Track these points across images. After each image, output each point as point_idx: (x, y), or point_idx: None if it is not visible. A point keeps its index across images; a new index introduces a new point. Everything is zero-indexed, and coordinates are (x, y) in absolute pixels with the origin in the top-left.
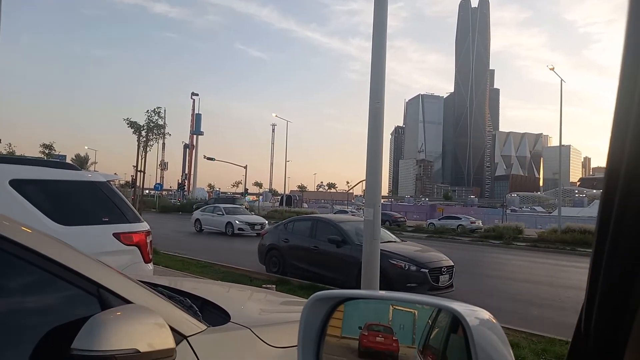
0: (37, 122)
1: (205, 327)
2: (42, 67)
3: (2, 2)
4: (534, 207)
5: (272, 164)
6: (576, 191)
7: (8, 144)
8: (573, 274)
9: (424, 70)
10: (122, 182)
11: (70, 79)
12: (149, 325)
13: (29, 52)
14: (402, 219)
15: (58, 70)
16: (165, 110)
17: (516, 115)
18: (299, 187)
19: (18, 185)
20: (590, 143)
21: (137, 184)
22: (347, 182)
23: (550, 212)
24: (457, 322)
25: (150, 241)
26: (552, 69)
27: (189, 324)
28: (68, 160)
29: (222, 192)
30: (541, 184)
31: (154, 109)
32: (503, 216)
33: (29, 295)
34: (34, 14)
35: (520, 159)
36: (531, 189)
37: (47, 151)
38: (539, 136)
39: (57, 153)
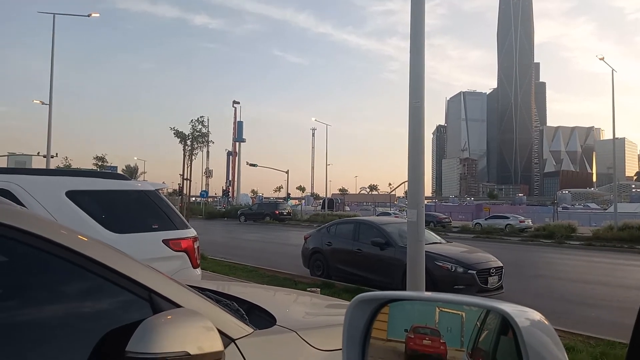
0: (90, 136)
1: (252, 330)
2: (93, 82)
3: (55, 22)
4: (588, 204)
5: (312, 168)
6: (633, 186)
7: (64, 157)
8: (632, 272)
9: (465, 67)
10: (169, 190)
11: (119, 93)
12: (198, 329)
13: (81, 69)
14: (447, 220)
15: (108, 85)
16: (208, 119)
17: (565, 109)
18: (340, 190)
19: (74, 196)
20: None
21: (184, 191)
22: (389, 184)
23: (606, 209)
24: (507, 324)
25: (198, 247)
26: (602, 59)
27: (237, 327)
28: (119, 171)
29: (265, 197)
30: (594, 179)
31: (198, 118)
32: (554, 214)
33: (86, 301)
34: (84, 32)
35: (570, 154)
36: (583, 185)
37: (99, 163)
38: (590, 129)
39: (108, 164)
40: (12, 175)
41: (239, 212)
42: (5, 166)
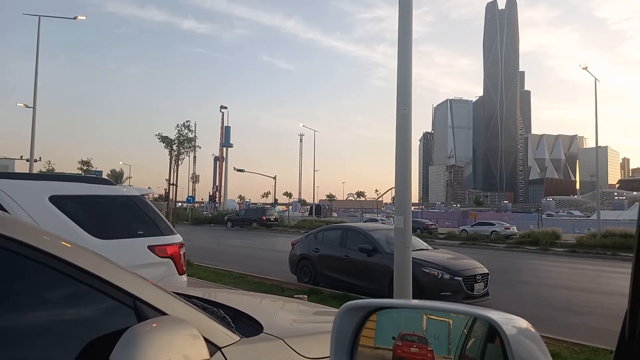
0: (75, 140)
1: (239, 338)
2: (77, 85)
3: (40, 24)
4: (571, 211)
5: (300, 173)
6: (615, 193)
7: (47, 161)
8: (615, 279)
9: (452, 74)
10: (155, 195)
11: (104, 97)
12: (183, 337)
13: (65, 72)
14: (433, 226)
15: (92, 88)
16: (195, 124)
17: (549, 117)
18: (327, 196)
19: (57, 201)
20: (629, 143)
21: (170, 197)
22: (376, 190)
23: (589, 216)
24: (494, 332)
25: (184, 253)
26: (585, 68)
27: (223, 335)
28: (104, 176)
29: (252, 203)
30: (578, 187)
31: (184, 123)
32: (539, 221)
33: (69, 308)
34: (70, 35)
35: (554, 162)
36: (567, 193)
37: (84, 167)
38: (573, 138)
39: (93, 169)
40: None
41: (225, 217)
42: None
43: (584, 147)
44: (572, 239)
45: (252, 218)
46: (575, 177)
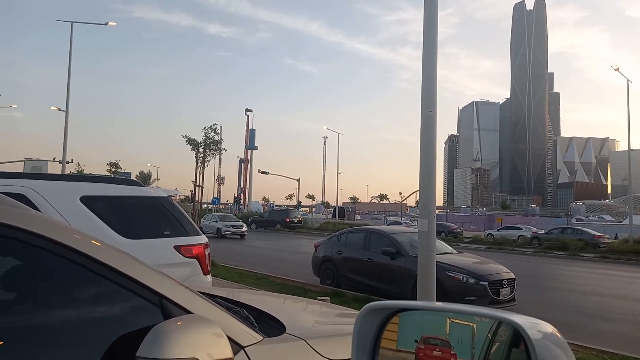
0: (105, 142)
1: (262, 338)
2: (106, 88)
3: (73, 29)
4: (602, 216)
5: (324, 176)
6: None
7: (77, 163)
8: None
9: (478, 76)
10: (182, 196)
11: (132, 100)
12: (208, 335)
13: (95, 75)
14: (458, 230)
15: (120, 91)
16: (221, 127)
17: (579, 119)
18: (351, 198)
19: (88, 201)
20: None
21: (196, 198)
22: (400, 193)
23: (621, 221)
24: (518, 336)
25: (209, 253)
26: (617, 70)
27: (246, 334)
28: (132, 177)
29: (276, 205)
30: (609, 191)
31: (210, 126)
32: (568, 225)
33: (97, 305)
34: (100, 39)
35: (585, 165)
36: (598, 197)
37: (113, 169)
38: (605, 140)
39: (122, 171)
40: (28, 180)
41: (250, 219)
42: (22, 171)
43: (616, 150)
44: (602, 244)
45: (276, 220)
46: (606, 181)
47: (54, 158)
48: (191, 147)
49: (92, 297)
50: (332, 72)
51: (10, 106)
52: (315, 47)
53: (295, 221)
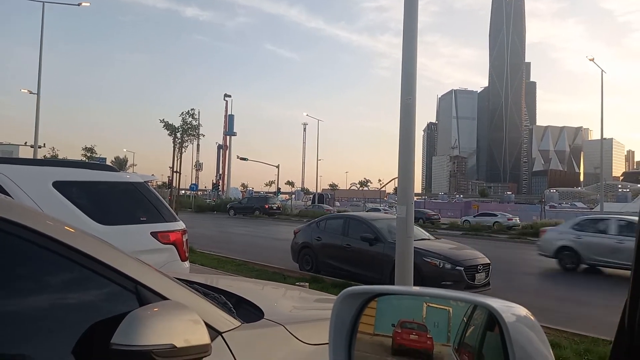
0: (80, 127)
1: (240, 324)
2: (82, 72)
3: (45, 11)
4: (575, 203)
5: (303, 162)
6: (619, 186)
7: (51, 147)
8: (618, 272)
9: (456, 65)
10: (159, 182)
11: (108, 84)
12: (184, 322)
13: (69, 59)
14: (436, 217)
15: (96, 76)
16: (199, 112)
17: (554, 109)
18: (330, 185)
19: (61, 186)
20: (634, 135)
21: (173, 184)
22: (379, 180)
23: (592, 208)
24: (493, 320)
25: (186, 240)
26: (592, 60)
27: (224, 320)
28: (108, 163)
29: (255, 192)
30: (582, 179)
31: (188, 111)
32: (542, 212)
33: (71, 292)
34: (73, 21)
35: (559, 154)
36: (571, 185)
37: (88, 154)
38: (578, 130)
39: (97, 156)
40: None
41: (228, 205)
42: None
43: (589, 139)
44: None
45: (255, 206)
46: (579, 169)
47: (26, 142)
48: (168, 132)
49: (66, 284)
50: (313, 59)
51: None
52: (295, 33)
53: (274, 208)
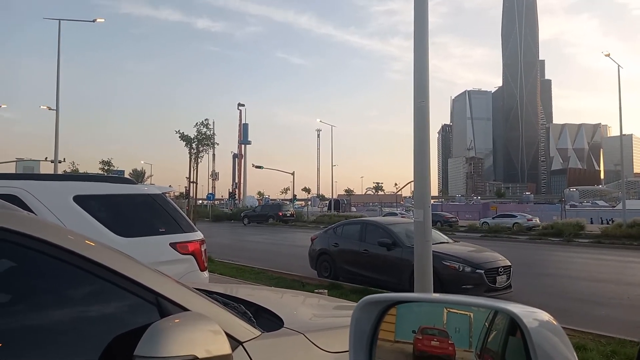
0: (97, 140)
1: (260, 333)
2: (97, 86)
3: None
4: (596, 201)
5: (318, 169)
6: None
7: (71, 162)
8: None
9: (469, 65)
10: (176, 193)
11: (123, 97)
12: (205, 332)
13: (85, 73)
14: (453, 219)
15: (111, 89)
16: (213, 122)
17: (571, 106)
18: (346, 191)
19: (81, 200)
20: None
21: (191, 194)
22: (395, 184)
23: (614, 206)
24: (515, 325)
25: (205, 250)
26: (608, 55)
27: (244, 330)
28: (126, 175)
29: (271, 199)
30: (602, 176)
31: (202, 121)
32: (562, 212)
33: (93, 305)
34: (88, 37)
35: (577, 152)
36: (591, 183)
37: (106, 167)
38: (597, 126)
39: (115, 169)
40: (20, 181)
41: (242, 214)
42: (14, 172)
43: (608, 135)
44: (597, 229)
45: (268, 214)
46: (599, 167)
47: (46, 158)
48: (184, 143)
49: (88, 297)
50: (324, 65)
51: (0, 106)
52: (305, 40)
53: (288, 215)
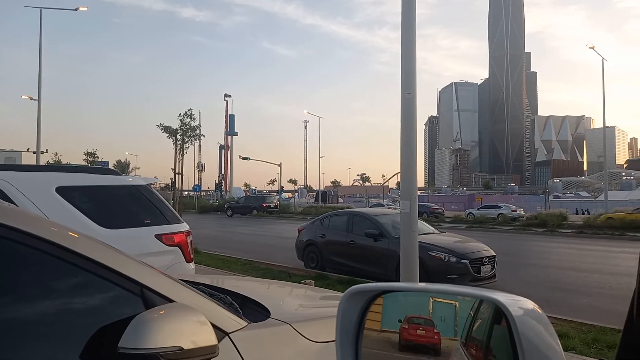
0: (81, 131)
1: (246, 324)
2: (81, 76)
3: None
4: (579, 192)
5: (305, 160)
6: (623, 174)
7: (54, 153)
8: (623, 260)
9: (456, 57)
10: (162, 184)
11: (108, 88)
12: (191, 323)
13: (68, 63)
14: (439, 210)
15: (96, 79)
16: (199, 113)
17: (556, 99)
18: (333, 182)
19: (64, 192)
20: (637, 123)
21: (176, 186)
22: (382, 176)
23: (597, 197)
24: (500, 313)
25: (191, 241)
26: (592, 48)
27: (230, 320)
28: (110, 167)
29: (258, 191)
30: (585, 168)
31: (186, 112)
32: (545, 203)
33: (77, 297)
34: (71, 26)
35: (561, 143)
36: (575, 174)
37: (90, 159)
38: (580, 118)
39: (100, 160)
40: (1, 172)
41: (226, 205)
42: None
43: (592, 127)
44: (579, 220)
45: (252, 205)
46: (582, 158)
47: (28, 149)
48: (167, 135)
49: (71, 289)
50: (311, 56)
51: None
52: (292, 30)
53: (272, 206)
